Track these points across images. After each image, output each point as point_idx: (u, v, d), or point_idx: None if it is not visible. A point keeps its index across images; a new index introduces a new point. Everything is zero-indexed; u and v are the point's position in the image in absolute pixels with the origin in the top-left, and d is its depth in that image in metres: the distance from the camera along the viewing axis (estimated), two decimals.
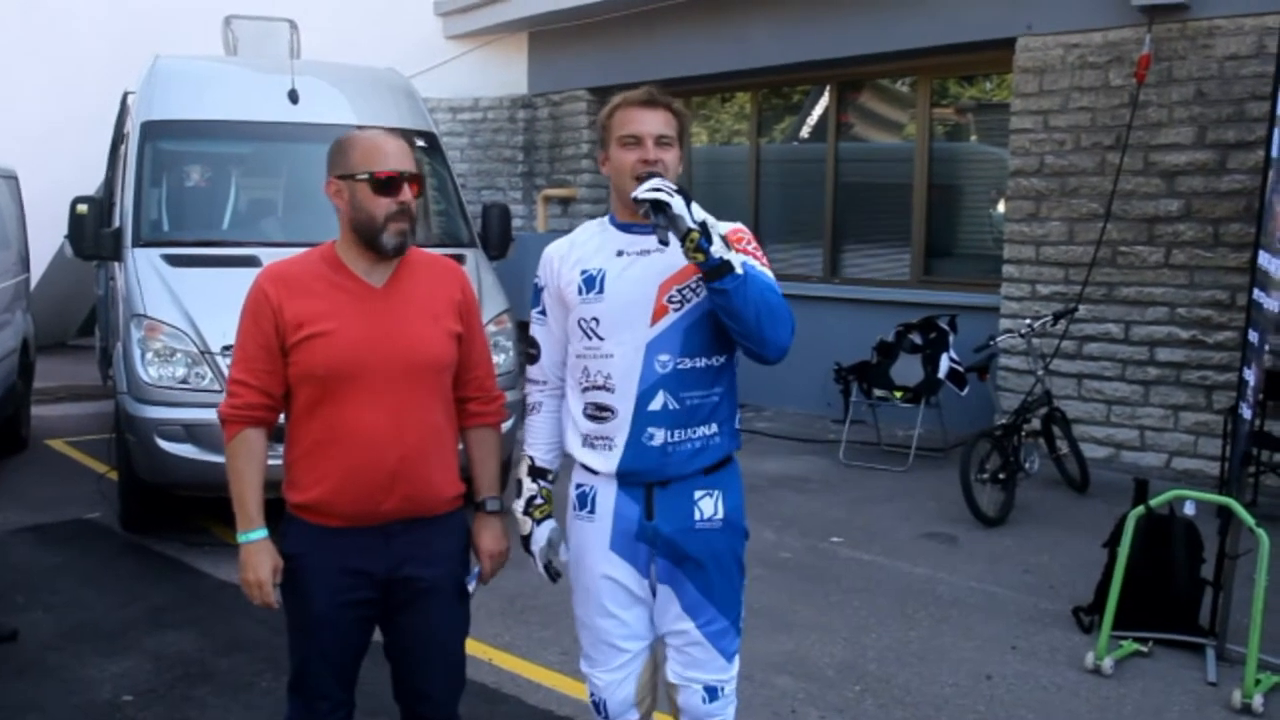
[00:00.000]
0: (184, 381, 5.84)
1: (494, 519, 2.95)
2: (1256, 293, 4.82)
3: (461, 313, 2.85)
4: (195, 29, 9.49)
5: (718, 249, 2.55)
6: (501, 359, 6.55)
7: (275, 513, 2.75)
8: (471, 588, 2.90)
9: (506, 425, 6.39)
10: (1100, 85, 7.90)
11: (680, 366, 2.73)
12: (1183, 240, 7.55)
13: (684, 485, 2.80)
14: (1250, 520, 4.40)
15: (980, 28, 8.51)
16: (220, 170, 7.31)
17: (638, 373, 2.72)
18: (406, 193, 2.67)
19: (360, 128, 2.86)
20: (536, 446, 2.98)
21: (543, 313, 2.92)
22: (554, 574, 2.98)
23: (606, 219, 2.90)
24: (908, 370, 8.22)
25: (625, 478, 2.80)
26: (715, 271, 2.56)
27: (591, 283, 2.77)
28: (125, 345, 6.08)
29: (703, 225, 2.54)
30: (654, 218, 2.55)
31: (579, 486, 2.90)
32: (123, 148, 7.58)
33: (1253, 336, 4.81)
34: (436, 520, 2.80)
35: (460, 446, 2.91)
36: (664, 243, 2.57)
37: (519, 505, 2.98)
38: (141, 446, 5.87)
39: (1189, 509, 4.77)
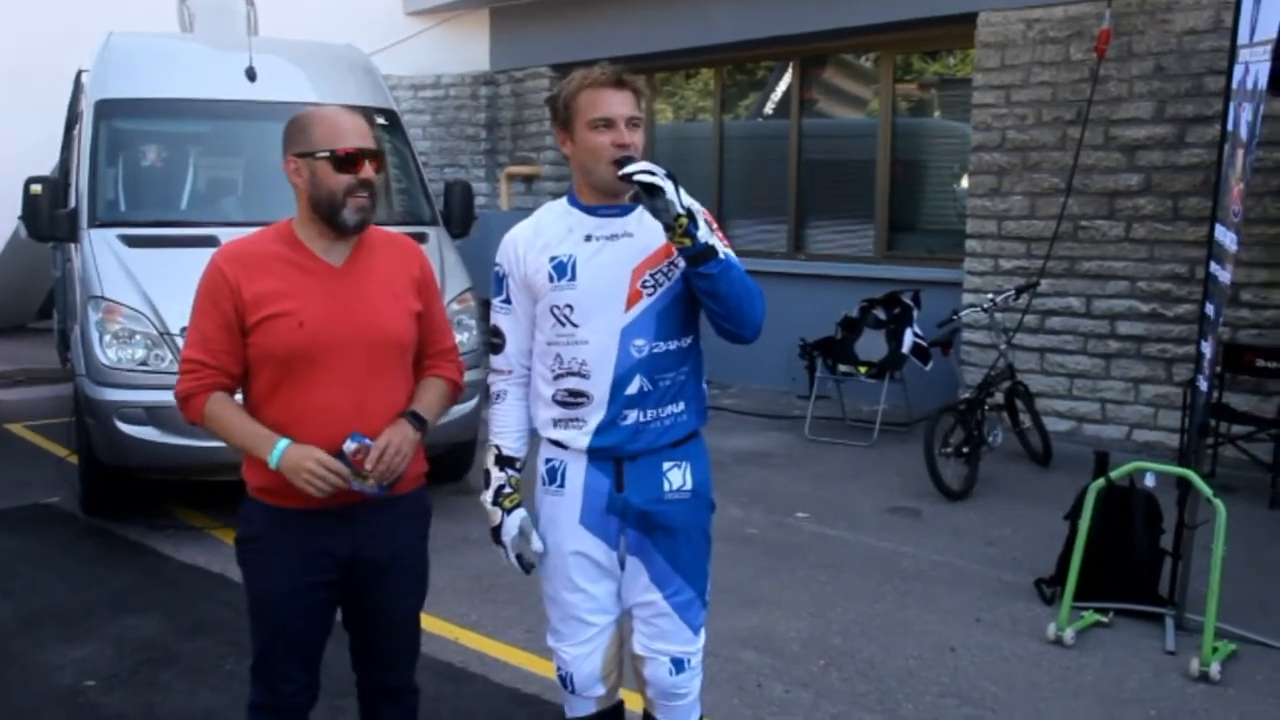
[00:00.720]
0: (143, 363, 5.78)
1: (411, 428, 2.72)
2: (1213, 266, 4.86)
3: (421, 290, 2.83)
4: (150, 6, 9.33)
5: (704, 234, 2.56)
6: (465, 337, 6.53)
7: (235, 496, 2.72)
8: (350, 448, 2.61)
9: (470, 404, 6.43)
10: (1061, 60, 7.93)
11: (655, 350, 2.73)
12: (1143, 214, 7.61)
13: (653, 458, 2.81)
14: (1208, 491, 4.45)
15: (942, 3, 8.52)
16: (177, 149, 7.21)
17: (613, 358, 2.72)
18: (368, 169, 2.65)
19: (318, 105, 2.82)
20: (504, 435, 2.93)
21: (506, 300, 2.86)
22: (526, 566, 2.93)
23: (566, 200, 2.86)
24: (872, 346, 8.25)
25: (596, 453, 2.80)
26: (700, 256, 2.56)
27: (563, 269, 2.74)
28: (83, 327, 6.00)
29: (689, 211, 2.54)
30: (645, 200, 2.53)
31: (548, 461, 2.89)
32: (77, 127, 7.47)
33: (1209, 310, 4.86)
34: (399, 498, 2.78)
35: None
36: (669, 229, 2.54)
37: (487, 496, 2.93)
38: (101, 429, 5.80)
39: (1149, 481, 4.82)
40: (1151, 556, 4.90)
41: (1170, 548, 4.87)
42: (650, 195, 2.51)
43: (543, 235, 2.82)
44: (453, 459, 6.63)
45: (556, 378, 2.78)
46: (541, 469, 2.91)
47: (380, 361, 2.72)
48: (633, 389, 2.73)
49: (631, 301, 2.72)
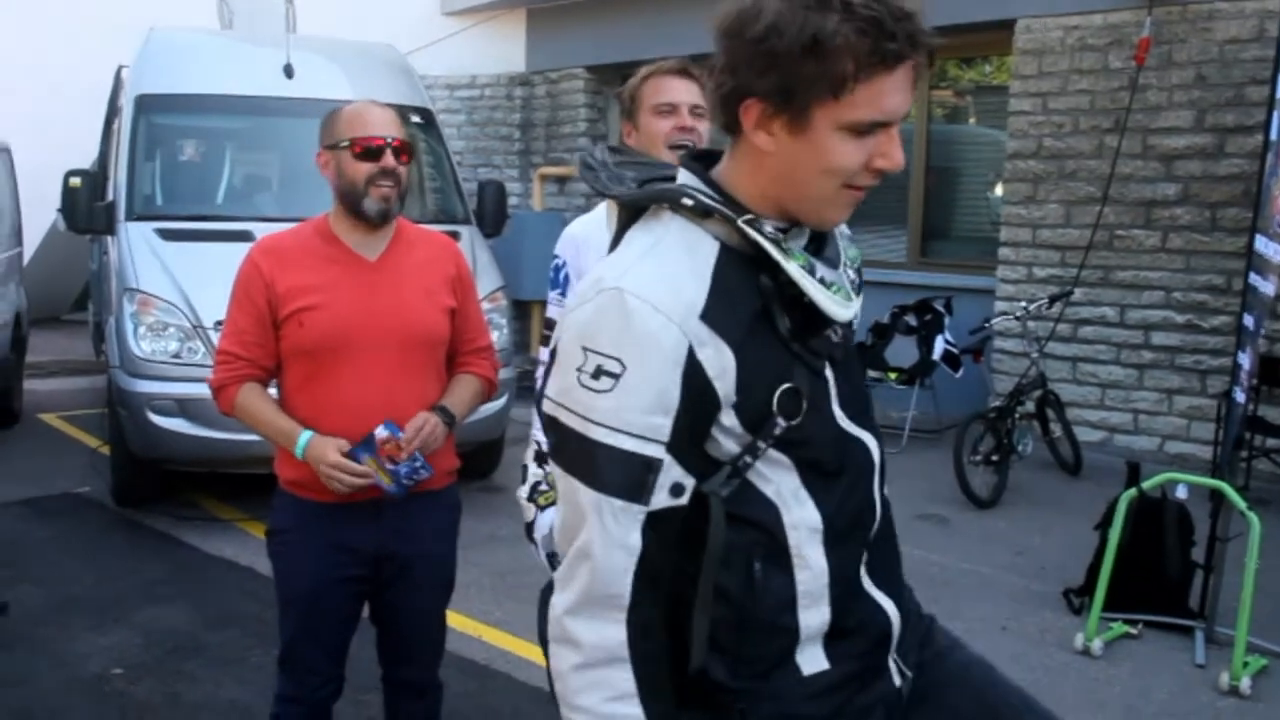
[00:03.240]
0: (176, 356, 5.83)
1: (441, 423, 2.72)
2: (1252, 277, 4.81)
3: (456, 289, 2.83)
4: (190, 3, 9.42)
5: None
6: (495, 336, 6.45)
7: (264, 489, 2.73)
8: (382, 434, 2.61)
9: (499, 402, 6.44)
10: (1100, 68, 7.86)
11: None
12: (1180, 224, 7.53)
13: None
14: (1242, 504, 4.40)
15: (980, 9, 8.46)
16: (214, 144, 7.28)
17: None
18: (389, 159, 2.65)
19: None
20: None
21: (563, 294, 2.80)
22: (557, 565, 2.86)
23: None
24: (903, 352, 8.20)
25: None
26: None
27: (557, 279, 2.74)
28: (118, 319, 6.06)
29: None
30: None
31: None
32: (117, 122, 7.55)
33: (1248, 321, 4.81)
34: (429, 495, 2.79)
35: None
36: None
37: (523, 491, 2.84)
38: (134, 421, 5.86)
39: (1181, 492, 4.77)
40: (1182, 569, 4.84)
41: (1202, 560, 4.81)
42: None
43: (600, 233, 2.80)
44: (481, 457, 6.64)
45: None
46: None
47: (411, 357, 2.72)
48: None
49: None
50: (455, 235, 6.86)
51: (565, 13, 11.72)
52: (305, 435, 2.62)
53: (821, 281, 1.52)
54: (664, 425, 1.41)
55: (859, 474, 1.63)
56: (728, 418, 1.46)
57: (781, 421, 1.47)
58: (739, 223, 1.47)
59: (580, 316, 1.45)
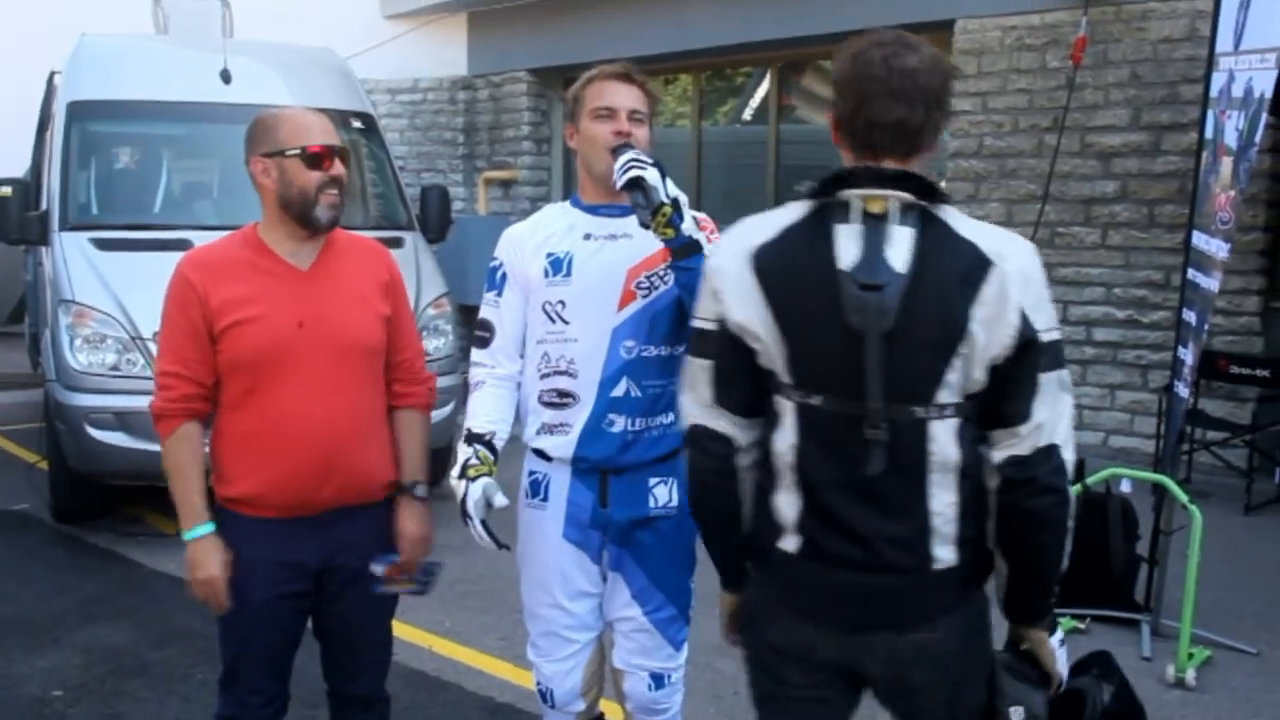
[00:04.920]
0: (115, 368, 5.72)
1: (419, 504, 2.84)
2: (1193, 273, 4.87)
3: (389, 294, 2.80)
4: (124, 7, 9.26)
5: (688, 227, 2.56)
6: (441, 343, 6.50)
7: (209, 502, 2.67)
8: (380, 570, 2.74)
9: (446, 410, 6.38)
10: (1038, 67, 7.96)
11: (644, 354, 2.72)
12: (1119, 221, 7.64)
13: (639, 473, 2.78)
14: (1184, 497, 4.46)
15: (919, 9, 8.53)
16: (150, 152, 7.15)
17: (602, 358, 2.70)
18: (337, 166, 2.63)
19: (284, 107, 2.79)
20: (474, 418, 2.84)
21: (499, 295, 2.84)
22: (498, 540, 2.76)
23: (569, 202, 2.85)
24: None
25: (580, 463, 2.77)
26: (684, 249, 2.56)
27: (558, 265, 2.73)
28: (53, 332, 5.93)
29: (674, 201, 2.55)
30: (632, 194, 2.54)
31: (531, 474, 2.87)
32: (49, 129, 7.39)
33: (1189, 316, 4.87)
34: (371, 507, 2.76)
35: None
36: (645, 225, 2.56)
37: (454, 472, 2.81)
38: (72, 435, 5.74)
39: (1125, 486, 4.83)
40: (1128, 562, 4.90)
41: (1146, 554, 4.87)
42: (633, 187, 2.53)
43: (540, 232, 2.81)
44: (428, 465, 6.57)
45: (543, 377, 2.76)
46: (525, 482, 2.89)
47: (350, 367, 2.69)
48: (619, 391, 2.71)
49: (624, 302, 2.71)
50: (399, 241, 6.84)
51: (507, 16, 11.67)
52: (203, 529, 2.59)
53: None
54: None
55: None
56: None
57: None
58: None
59: (1028, 263, 1.94)
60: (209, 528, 2.60)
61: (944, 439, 1.94)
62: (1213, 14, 4.81)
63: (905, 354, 1.90)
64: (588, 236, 2.75)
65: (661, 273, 2.70)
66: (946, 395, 1.92)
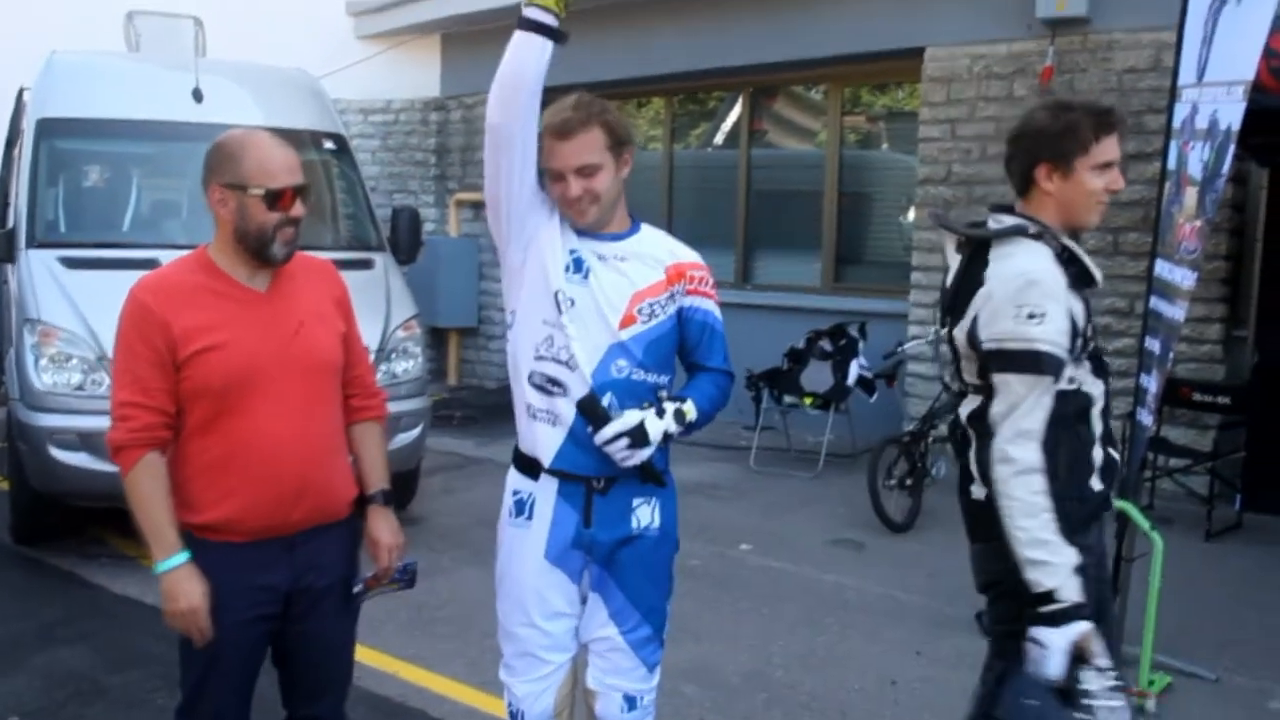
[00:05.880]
0: (79, 388, 5.66)
1: (387, 511, 2.91)
2: (1157, 301, 4.92)
3: (342, 311, 2.83)
4: (96, 25, 9.22)
5: (678, 430, 2.74)
6: (410, 365, 6.47)
7: None
8: (360, 586, 2.83)
9: (414, 433, 6.37)
10: (1005, 95, 8.05)
11: (634, 377, 2.76)
12: (1084, 248, 7.69)
13: (623, 491, 2.81)
14: (1145, 524, 4.50)
15: (890, 37, 8.62)
16: (120, 170, 7.10)
17: (593, 368, 2.73)
18: (298, 207, 2.61)
19: (248, 130, 2.74)
20: None
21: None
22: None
23: (565, 220, 2.83)
24: (818, 377, 8.28)
25: (565, 471, 2.78)
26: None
27: (579, 266, 2.76)
28: (18, 351, 5.88)
29: (664, 435, 2.73)
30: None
31: (516, 493, 2.89)
32: (17, 146, 7.35)
33: (1152, 344, 4.92)
34: (335, 526, 2.76)
35: None
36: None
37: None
38: (35, 455, 5.68)
39: None
40: None
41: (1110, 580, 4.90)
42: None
43: (563, 225, 2.82)
44: (395, 488, 6.53)
45: (538, 358, 2.77)
46: (509, 501, 2.90)
47: (317, 387, 2.70)
48: (605, 401, 2.73)
49: (625, 324, 2.75)
50: (369, 263, 6.84)
51: (480, 38, 11.70)
52: (179, 558, 2.54)
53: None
54: (1065, 342, 2.58)
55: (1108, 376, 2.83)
56: (1079, 341, 2.66)
57: (1095, 343, 2.77)
58: (1062, 239, 2.73)
59: (1010, 288, 2.59)
60: (184, 556, 2.55)
61: (964, 410, 2.81)
62: (1176, 46, 4.88)
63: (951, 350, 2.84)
64: (598, 255, 2.78)
65: (663, 301, 2.78)
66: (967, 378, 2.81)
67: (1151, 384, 4.89)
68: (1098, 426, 2.73)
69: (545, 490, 2.82)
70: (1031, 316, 2.54)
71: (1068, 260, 2.71)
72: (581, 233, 2.79)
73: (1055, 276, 2.62)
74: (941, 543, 6.48)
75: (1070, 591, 2.44)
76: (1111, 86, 7.54)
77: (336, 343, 2.76)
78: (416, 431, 6.40)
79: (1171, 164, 4.91)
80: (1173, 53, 5.04)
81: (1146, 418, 4.96)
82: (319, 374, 2.70)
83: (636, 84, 10.72)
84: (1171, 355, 4.90)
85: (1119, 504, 4.76)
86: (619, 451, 2.68)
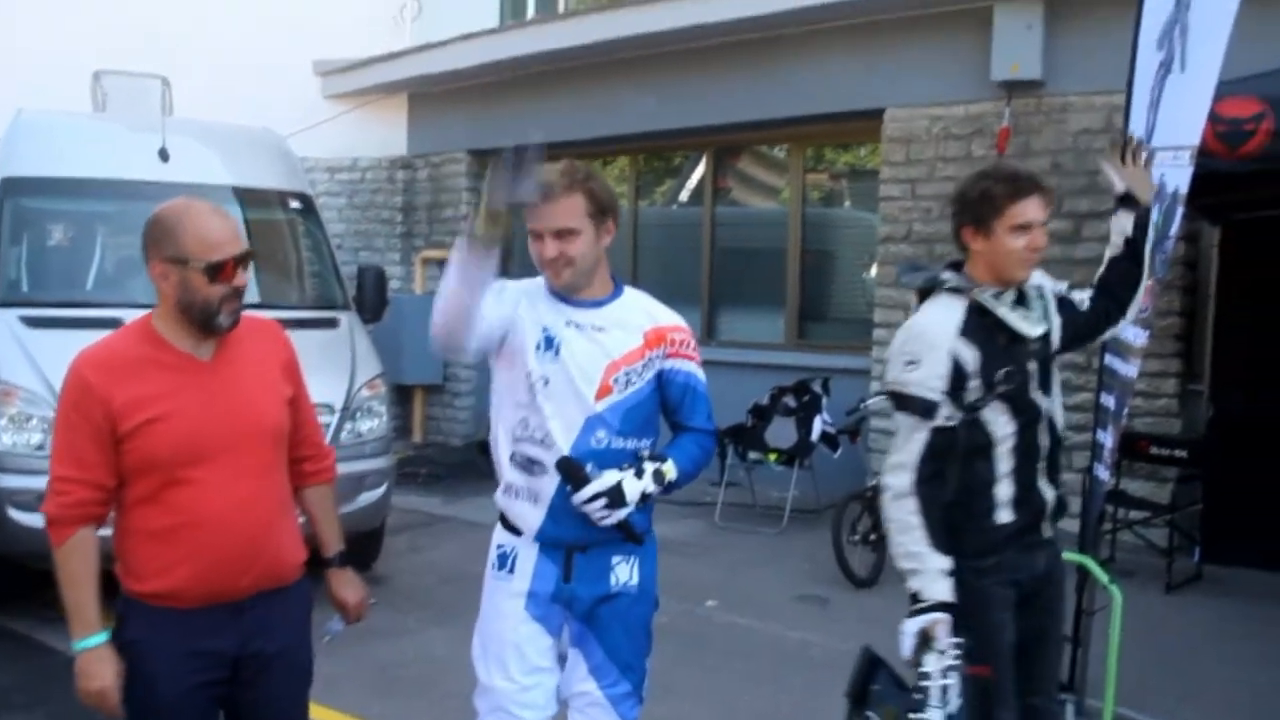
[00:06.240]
0: (40, 448, 5.61)
1: (347, 570, 2.95)
2: (1110, 358, 5.01)
3: (289, 375, 2.82)
4: (62, 84, 9.24)
5: (657, 490, 2.77)
6: (375, 424, 6.47)
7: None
8: (327, 640, 2.88)
9: (379, 492, 6.35)
10: (963, 155, 8.21)
11: (613, 445, 2.81)
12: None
13: (603, 551, 2.86)
14: (1104, 578, 4.54)
15: (850, 99, 8.78)
16: (85, 229, 7.09)
17: (571, 442, 2.78)
18: (241, 277, 2.61)
19: (187, 199, 2.69)
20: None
21: (498, 290, 2.83)
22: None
23: (544, 283, 2.90)
24: (782, 433, 8.33)
25: (547, 540, 2.84)
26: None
27: (550, 343, 2.81)
28: None
29: (642, 495, 2.76)
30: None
31: (499, 547, 2.94)
32: None
33: (1107, 401, 5.00)
34: (285, 590, 2.75)
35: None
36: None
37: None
38: None
39: None
40: None
41: (1070, 633, 4.94)
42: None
43: (537, 303, 2.88)
44: (360, 547, 6.50)
45: (517, 440, 2.84)
46: (493, 554, 2.95)
47: (263, 456, 2.69)
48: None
49: (601, 394, 2.80)
50: (334, 321, 6.85)
51: (446, 97, 11.83)
52: (96, 639, 2.54)
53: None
54: (941, 386, 2.92)
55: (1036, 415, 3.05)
56: (973, 382, 2.94)
57: (1003, 386, 2.95)
58: (972, 292, 3.01)
59: (900, 338, 3.05)
60: (102, 637, 2.55)
61: None
62: (1125, 111, 5.01)
63: None
64: (569, 323, 2.83)
65: (639, 369, 2.83)
66: None
67: (1107, 439, 4.96)
68: (1004, 463, 3.01)
69: (527, 547, 2.88)
70: (910, 363, 2.97)
71: (983, 314, 3.00)
72: (562, 298, 2.85)
73: (940, 328, 2.98)
74: (906, 598, 6.49)
75: (933, 592, 2.96)
76: (1067, 146, 7.72)
77: (282, 409, 2.75)
78: (381, 490, 6.38)
79: None
80: (1122, 114, 5.18)
81: (1103, 472, 5.03)
82: (265, 442, 2.70)
83: (602, 143, 10.83)
84: (1126, 410, 4.99)
85: (1076, 557, 4.82)
86: (596, 511, 2.72)
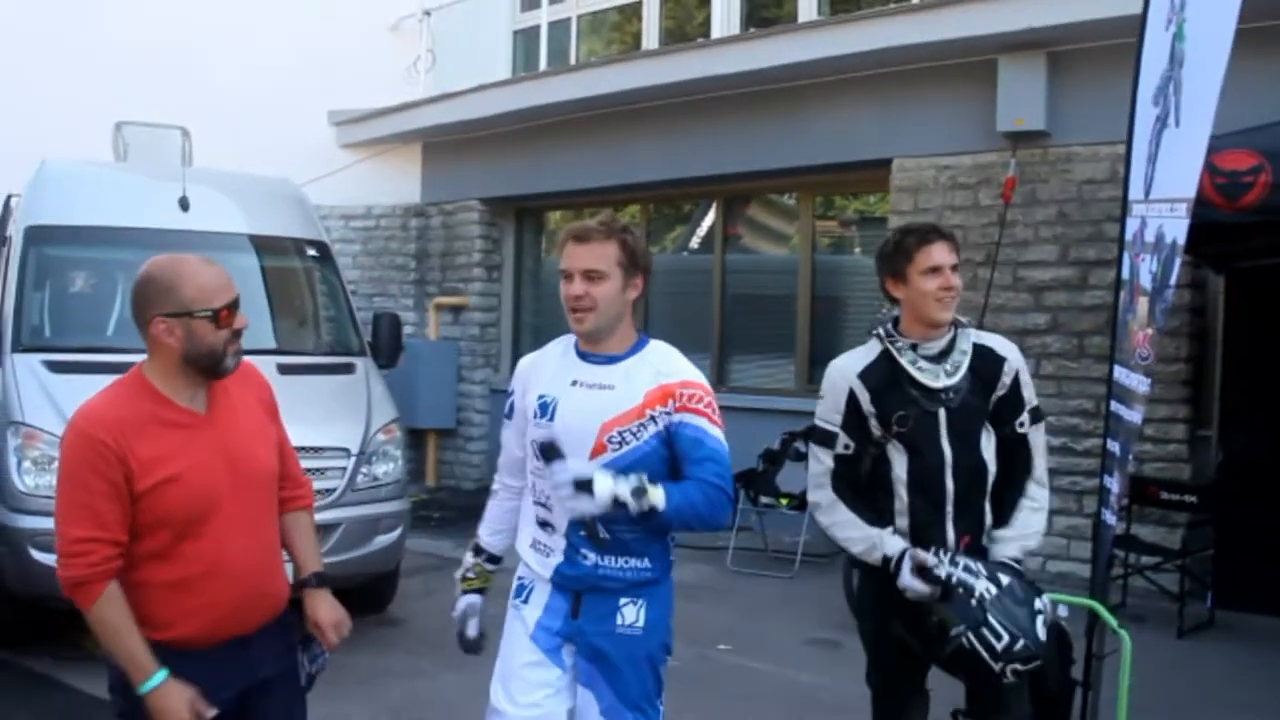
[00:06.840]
0: None
1: (323, 591, 2.95)
2: (1116, 405, 5.07)
3: (271, 414, 2.92)
4: (84, 134, 9.42)
5: (634, 505, 2.73)
6: (390, 468, 6.53)
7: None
8: (315, 668, 2.92)
9: (394, 535, 6.41)
10: (971, 205, 8.31)
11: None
12: (1050, 352, 7.91)
13: (611, 594, 2.95)
14: (1113, 622, 4.57)
15: (858, 149, 8.91)
16: (106, 276, 7.21)
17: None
18: (239, 318, 2.70)
19: (172, 256, 2.78)
20: (484, 527, 3.23)
21: (509, 418, 3.13)
22: (467, 645, 3.18)
23: (573, 341, 3.02)
24: (793, 478, 8.36)
25: (560, 582, 2.96)
26: (643, 516, 2.78)
27: (545, 409, 2.92)
28: (1, 453, 5.92)
29: (614, 499, 2.73)
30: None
31: (520, 579, 3.08)
32: (5, 251, 7.46)
33: (1113, 446, 5.05)
34: (279, 618, 2.86)
35: None
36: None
37: (457, 574, 3.22)
38: (14, 557, 5.69)
39: (1062, 611, 4.93)
40: (1062, 686, 4.97)
41: (1080, 678, 4.96)
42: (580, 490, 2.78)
43: (539, 372, 3.04)
44: (375, 590, 6.57)
45: (536, 503, 3.00)
46: (515, 582, 3.08)
47: (261, 501, 2.80)
48: (585, 533, 2.88)
49: (595, 453, 2.85)
50: (350, 367, 6.95)
51: (460, 147, 11.99)
52: (160, 676, 2.57)
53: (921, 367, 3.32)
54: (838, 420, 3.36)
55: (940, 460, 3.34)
56: (871, 420, 3.32)
57: (897, 427, 3.29)
58: (885, 343, 3.36)
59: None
60: (163, 674, 2.57)
61: None
62: (1125, 162, 5.11)
63: None
64: (574, 382, 2.93)
65: (635, 429, 2.87)
66: None
67: (1114, 484, 5.01)
68: (901, 499, 3.36)
69: (543, 584, 3.00)
70: (820, 398, 3.44)
71: (892, 360, 3.36)
72: (580, 354, 2.96)
73: (843, 369, 3.43)
74: None
75: (893, 548, 3.28)
76: (1072, 196, 7.81)
77: (274, 454, 2.87)
78: (396, 533, 6.44)
79: (1125, 274, 5.09)
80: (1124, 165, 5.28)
81: (1111, 518, 5.08)
82: (264, 488, 2.81)
83: (613, 191, 10.98)
84: (1131, 457, 5.04)
85: (1085, 601, 4.85)
86: (567, 499, 2.76)
